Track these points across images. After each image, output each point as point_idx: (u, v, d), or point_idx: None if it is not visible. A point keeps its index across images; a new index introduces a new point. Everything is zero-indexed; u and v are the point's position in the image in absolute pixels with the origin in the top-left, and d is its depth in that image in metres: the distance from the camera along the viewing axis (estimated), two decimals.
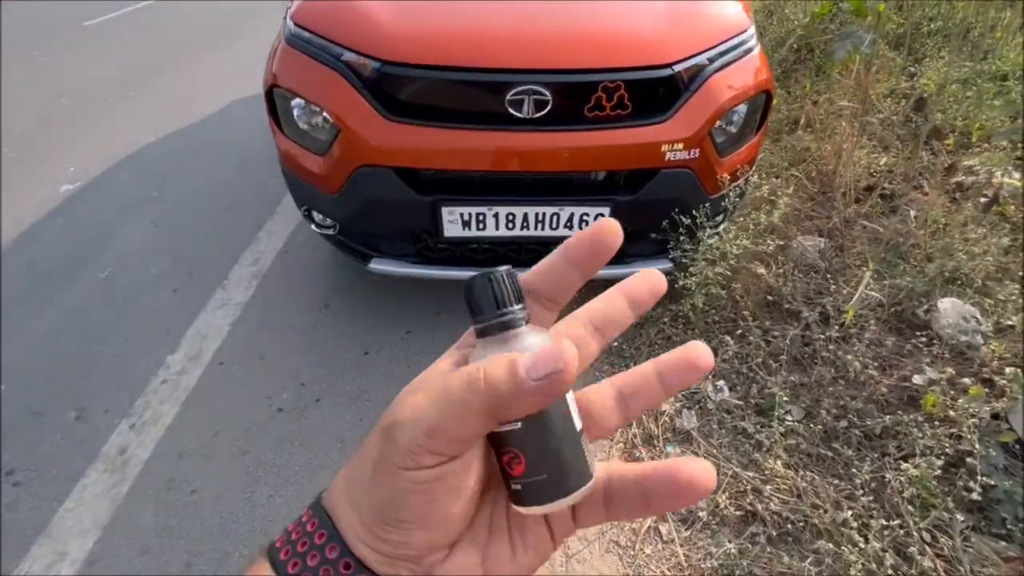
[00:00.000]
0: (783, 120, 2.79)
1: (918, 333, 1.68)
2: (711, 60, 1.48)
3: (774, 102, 2.83)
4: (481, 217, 1.53)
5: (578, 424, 0.26)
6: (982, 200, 2.16)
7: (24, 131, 3.33)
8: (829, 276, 1.95)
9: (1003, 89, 2.96)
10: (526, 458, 0.25)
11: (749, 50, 1.57)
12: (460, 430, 0.23)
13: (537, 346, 0.25)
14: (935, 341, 1.65)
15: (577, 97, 1.41)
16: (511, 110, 1.39)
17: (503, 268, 0.27)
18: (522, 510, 0.26)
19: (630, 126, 1.44)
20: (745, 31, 1.57)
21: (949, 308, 1.74)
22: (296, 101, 1.55)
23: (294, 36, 1.53)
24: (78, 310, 2.01)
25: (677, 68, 1.43)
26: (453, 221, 1.54)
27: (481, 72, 1.37)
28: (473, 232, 1.56)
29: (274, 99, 1.60)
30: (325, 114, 1.49)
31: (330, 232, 1.75)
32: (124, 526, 1.35)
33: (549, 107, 1.39)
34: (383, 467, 0.23)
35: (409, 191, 1.48)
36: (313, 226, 1.78)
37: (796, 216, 2.21)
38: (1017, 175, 2.41)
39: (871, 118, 2.65)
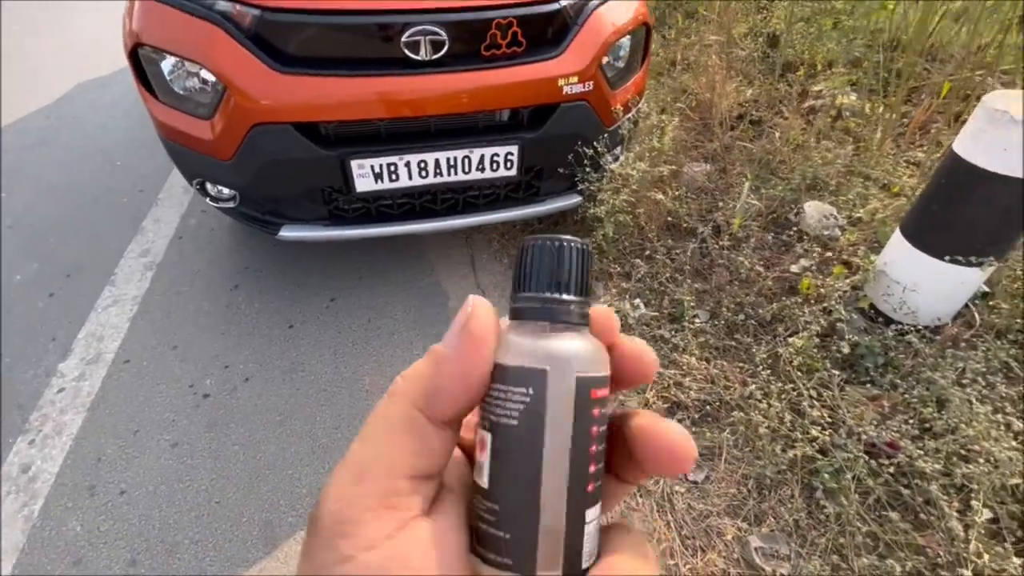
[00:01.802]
0: (662, 61, 2.99)
1: (790, 232, 1.94)
2: None
3: (654, 44, 3.04)
4: (393, 168, 1.52)
5: (586, 487, 0.19)
6: (829, 119, 2.50)
7: None
8: (716, 195, 2.18)
9: (837, 23, 3.37)
10: (490, 490, 0.20)
11: None
12: (394, 455, 0.18)
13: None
14: (804, 237, 1.93)
15: (472, 36, 1.42)
16: (408, 52, 1.38)
17: (578, 240, 0.21)
18: (475, 561, 0.20)
19: (526, 62, 1.49)
20: None
21: (812, 209, 2.02)
22: (168, 61, 1.41)
23: None
24: None
25: (563, 3, 1.49)
26: (364, 175, 1.51)
27: (372, 15, 1.34)
28: (386, 184, 1.55)
29: (140, 61, 1.45)
30: (205, 72, 1.38)
31: (230, 204, 1.64)
32: (46, 542, 1.23)
33: (446, 48, 1.40)
34: None
35: (313, 147, 1.43)
36: (209, 200, 1.66)
37: (684, 146, 2.41)
38: (854, 95, 2.81)
39: (736, 52, 2.93)
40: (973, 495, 1.21)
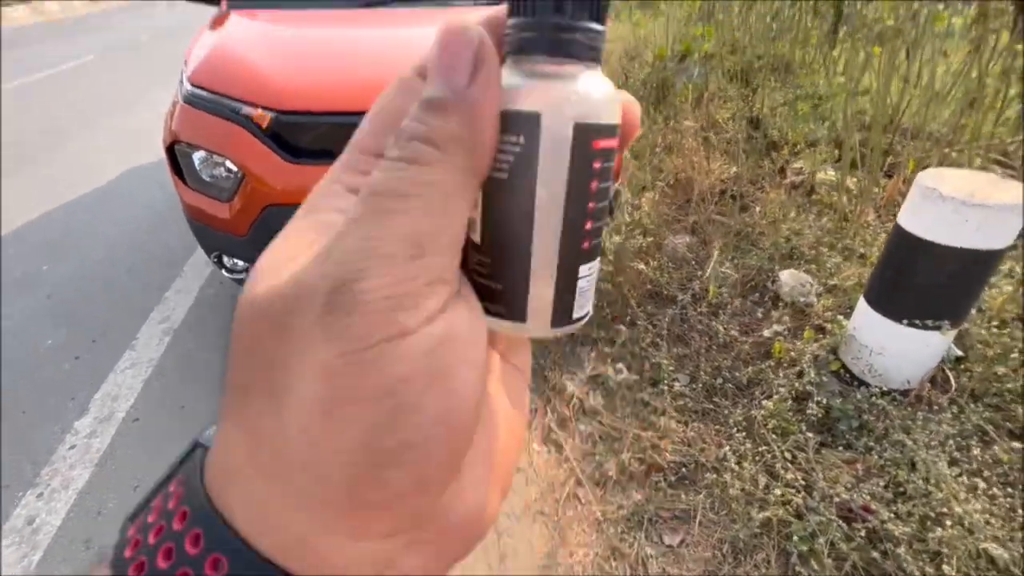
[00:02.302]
0: (649, 144, 3.25)
1: (767, 300, 2.03)
2: None
3: (642, 130, 3.31)
4: None
5: (581, 243, 0.19)
6: (803, 193, 2.66)
7: None
8: (696, 264, 2.30)
9: (818, 107, 3.63)
10: (482, 244, 0.19)
11: None
12: (454, 225, 0.16)
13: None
14: (780, 304, 2.01)
15: None
16: None
17: None
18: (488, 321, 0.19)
19: None
20: None
21: (788, 277, 2.12)
22: (198, 154, 1.66)
23: (192, 95, 1.66)
24: None
25: None
26: None
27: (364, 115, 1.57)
28: None
29: (176, 154, 1.69)
30: (228, 163, 1.61)
31: (243, 276, 1.82)
32: None
33: None
34: (345, 371, 0.14)
35: None
36: (224, 272, 1.84)
37: (666, 219, 2.58)
38: (832, 171, 2.99)
39: (720, 136, 3.17)
40: (946, 560, 1.20)
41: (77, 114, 4.95)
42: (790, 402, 1.63)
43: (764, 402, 1.62)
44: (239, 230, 1.65)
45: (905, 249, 1.46)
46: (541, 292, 0.19)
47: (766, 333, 1.84)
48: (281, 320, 0.15)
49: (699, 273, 2.24)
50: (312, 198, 0.18)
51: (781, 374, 1.70)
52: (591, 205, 0.18)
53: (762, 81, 3.97)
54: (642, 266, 2.17)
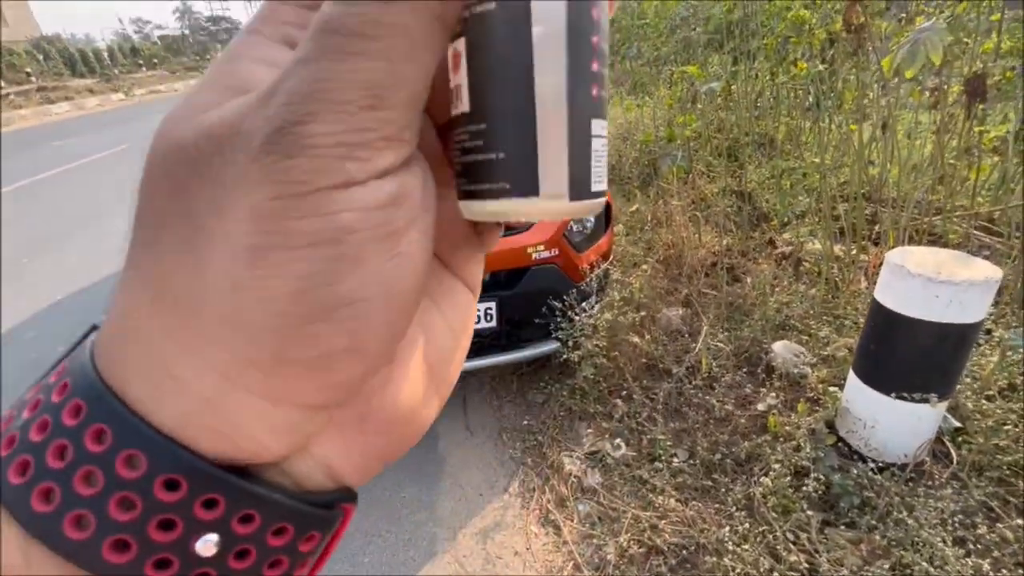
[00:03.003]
0: (641, 220, 3.40)
1: (761, 372, 2.06)
2: None
3: (638, 205, 3.48)
4: None
5: (590, 89, 0.16)
6: (790, 265, 2.75)
7: None
8: (690, 336, 2.35)
9: (803, 180, 3.81)
10: (472, 109, 0.16)
11: None
12: (419, 76, 0.14)
13: None
14: (774, 376, 2.03)
15: None
16: None
17: None
18: (467, 206, 0.17)
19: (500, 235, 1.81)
20: None
21: (781, 348, 2.15)
22: None
23: None
24: None
25: None
26: None
27: None
28: None
29: None
30: None
31: None
32: None
33: None
34: (282, 214, 0.13)
35: None
36: None
37: (660, 293, 2.66)
38: (818, 243, 3.10)
39: (710, 211, 3.33)
40: None
41: (102, 202, 5.28)
42: (789, 478, 1.61)
43: (763, 479, 1.61)
44: None
45: (883, 323, 1.51)
46: (553, 152, 0.15)
47: (760, 407, 1.85)
48: (207, 160, 0.14)
49: (693, 346, 2.28)
50: (229, 49, 0.16)
51: (778, 448, 1.69)
52: (595, 39, 0.16)
53: (747, 157, 4.20)
54: (637, 339, 2.22)
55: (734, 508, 1.56)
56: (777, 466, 1.61)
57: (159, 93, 16.41)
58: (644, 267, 2.61)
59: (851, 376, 1.71)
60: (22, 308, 3.09)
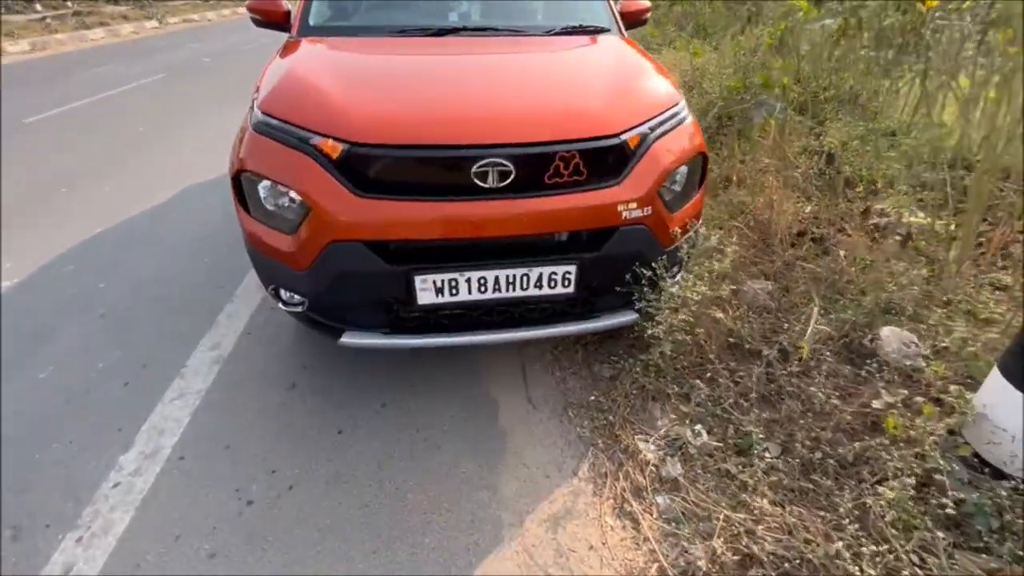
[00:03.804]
0: (716, 179, 3.06)
1: (868, 361, 1.80)
2: (652, 129, 1.65)
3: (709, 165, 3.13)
4: (454, 283, 1.57)
5: None
6: (898, 238, 2.42)
7: None
8: (780, 315, 2.09)
9: (893, 143, 3.39)
10: None
11: (683, 119, 1.76)
12: None
13: None
14: (884, 367, 1.78)
15: (537, 167, 1.52)
16: (476, 181, 1.48)
17: None
18: None
19: (587, 190, 1.56)
20: (678, 104, 1.78)
21: (890, 335, 1.88)
22: (263, 184, 1.58)
23: (262, 123, 1.59)
24: (15, 415, 1.84)
25: (624, 137, 1.58)
26: (426, 289, 1.56)
27: (448, 149, 1.46)
28: (446, 298, 1.59)
29: (241, 183, 1.62)
30: (293, 194, 1.53)
31: (298, 309, 1.72)
32: None
33: (512, 177, 1.49)
34: None
35: (381, 262, 1.51)
36: (280, 304, 1.75)
37: (743, 263, 2.38)
38: (921, 214, 2.73)
39: (792, 172, 2.96)
40: None
41: (145, 130, 5.13)
42: (911, 490, 1.39)
43: (881, 489, 1.39)
44: (300, 264, 1.56)
45: None
46: None
47: (876, 404, 1.61)
48: None
49: (783, 324, 2.03)
50: None
51: (896, 454, 1.47)
52: None
53: (831, 114, 3.75)
54: (720, 314, 1.98)
55: (847, 520, 1.35)
56: (900, 475, 1.39)
57: (192, 22, 15.98)
58: (724, 236, 2.32)
59: (995, 377, 1.45)
60: (61, 241, 2.99)
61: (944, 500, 1.33)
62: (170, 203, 3.50)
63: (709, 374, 1.85)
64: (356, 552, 1.40)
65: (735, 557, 1.37)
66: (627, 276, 1.68)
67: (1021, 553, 1.25)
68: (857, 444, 1.54)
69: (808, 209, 2.84)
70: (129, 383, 1.98)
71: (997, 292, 2.15)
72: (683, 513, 1.49)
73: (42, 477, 1.61)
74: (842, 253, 2.42)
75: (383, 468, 1.63)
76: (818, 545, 1.34)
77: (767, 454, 1.61)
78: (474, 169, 1.46)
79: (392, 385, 1.94)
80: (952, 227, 2.40)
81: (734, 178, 2.88)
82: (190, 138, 4.87)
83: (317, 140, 1.49)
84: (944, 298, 2.09)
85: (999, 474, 1.42)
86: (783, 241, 2.50)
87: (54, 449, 1.71)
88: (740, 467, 1.58)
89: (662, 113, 1.69)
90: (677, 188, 1.77)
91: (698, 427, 1.74)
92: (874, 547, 1.29)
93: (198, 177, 3.88)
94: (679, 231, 1.73)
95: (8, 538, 1.44)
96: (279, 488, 1.57)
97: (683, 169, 1.74)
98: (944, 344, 1.86)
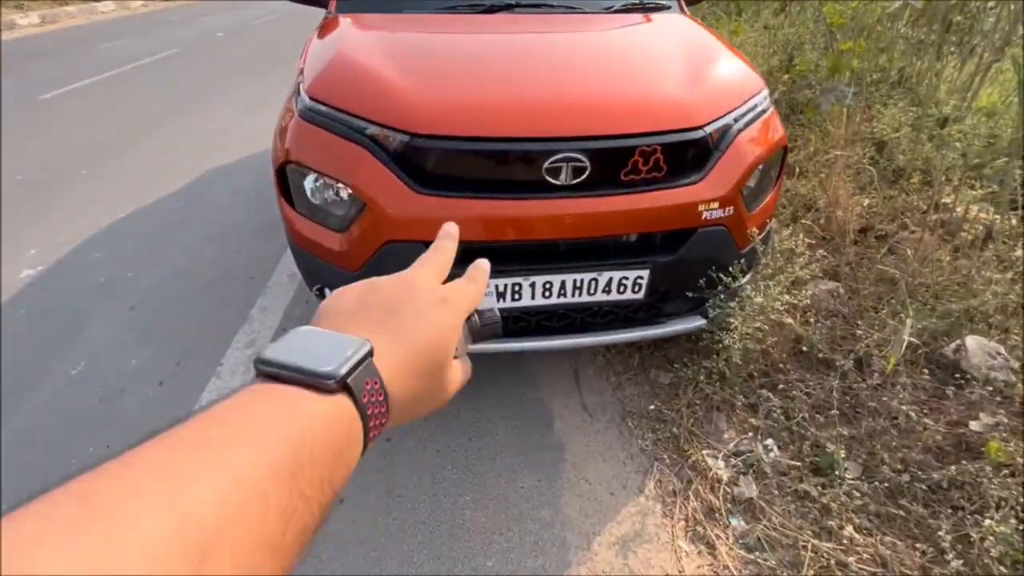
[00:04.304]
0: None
1: (954, 375, 1.67)
2: (736, 120, 1.50)
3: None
4: (517, 288, 1.45)
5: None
6: (979, 237, 2.25)
7: None
8: (850, 319, 1.96)
9: (944, 131, 3.18)
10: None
11: (766, 110, 1.61)
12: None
13: None
14: (973, 382, 1.65)
15: (614, 162, 1.38)
16: (548, 178, 1.35)
17: None
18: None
19: (666, 188, 1.42)
20: (761, 92, 1.62)
21: (975, 346, 1.75)
22: (311, 176, 1.46)
23: (310, 111, 1.46)
24: (47, 415, 1.76)
25: (708, 129, 1.43)
26: (487, 294, 1.44)
27: (520, 142, 1.33)
28: (508, 303, 1.47)
29: (286, 175, 1.50)
30: (344, 189, 1.40)
31: None
32: None
33: (586, 173, 1.36)
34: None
35: None
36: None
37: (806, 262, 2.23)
38: (991, 208, 2.56)
39: (846, 162, 2.79)
40: None
41: (159, 110, 4.99)
42: (1013, 521, 1.28)
43: (986, 521, 1.28)
44: (351, 265, 1.45)
45: None
46: None
47: (973, 426, 1.49)
48: (412, 288, 0.37)
49: (855, 332, 1.90)
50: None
51: (997, 482, 1.35)
52: None
53: (880, 98, 3.54)
54: (788, 319, 1.85)
55: (951, 556, 1.25)
56: (1000, 505, 1.28)
57: None
58: (791, 231, 2.17)
59: None
60: (84, 226, 2.90)
61: None
62: (193, 186, 3.39)
63: (780, 385, 1.74)
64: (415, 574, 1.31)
65: None
66: (700, 281, 1.55)
67: None
68: (953, 468, 1.43)
69: (867, 202, 2.68)
70: (164, 382, 1.90)
71: None
72: (761, 539, 1.39)
73: None
74: (909, 252, 2.27)
75: (438, 482, 1.54)
76: None
77: (848, 474, 1.50)
78: (547, 164, 1.33)
79: None
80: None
81: (797, 170, 2.71)
82: (209, 117, 4.73)
83: (374, 130, 1.36)
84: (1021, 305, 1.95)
85: None
86: (846, 238, 2.34)
87: (89, 456, 1.63)
88: (819, 488, 1.48)
89: (746, 102, 1.54)
90: (754, 184, 1.62)
91: (769, 441, 1.63)
92: None
93: (220, 159, 3.75)
94: (755, 231, 1.60)
95: None
96: None
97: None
98: None
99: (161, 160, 3.79)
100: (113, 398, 1.83)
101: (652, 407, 1.77)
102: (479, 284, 0.41)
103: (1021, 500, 1.31)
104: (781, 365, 1.79)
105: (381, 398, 0.30)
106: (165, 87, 5.80)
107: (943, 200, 2.71)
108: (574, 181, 1.36)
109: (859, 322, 1.94)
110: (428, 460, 1.60)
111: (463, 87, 1.48)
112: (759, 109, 1.58)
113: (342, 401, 0.28)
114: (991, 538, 1.25)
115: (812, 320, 1.93)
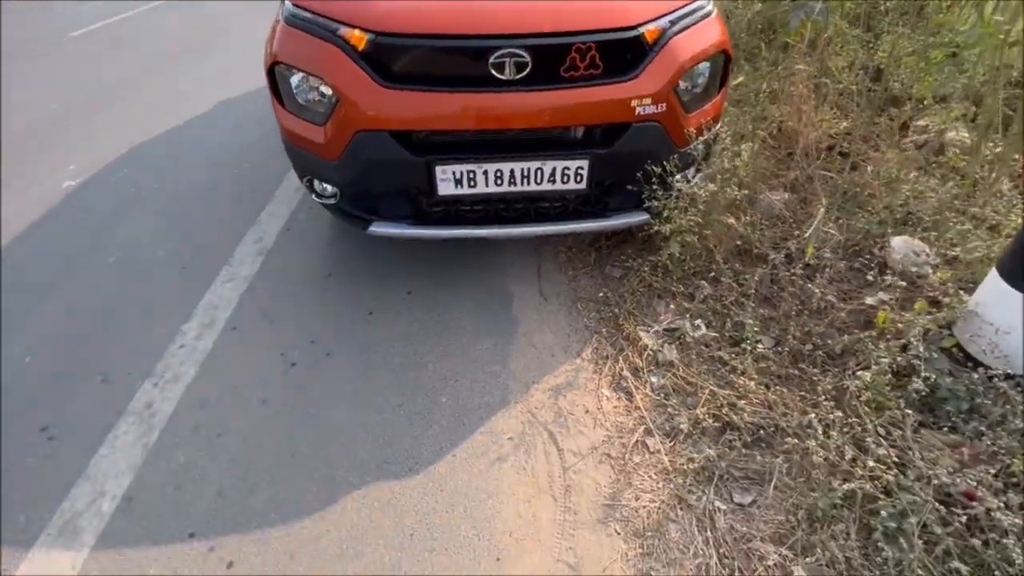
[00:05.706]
0: (750, 92, 2.97)
1: (873, 266, 1.85)
2: (672, 23, 1.64)
3: (743, 78, 3.02)
4: (472, 174, 1.67)
5: None
6: (930, 153, 2.35)
7: (15, 134, 3.41)
8: (794, 224, 2.13)
9: (955, 60, 3.15)
10: None
11: (707, 15, 1.74)
12: None
13: None
14: (888, 273, 1.82)
15: (553, 59, 1.56)
16: (494, 72, 1.54)
17: None
18: None
19: (602, 84, 1.59)
20: None
21: (900, 244, 1.91)
22: (296, 76, 1.68)
23: (292, 16, 1.67)
24: (91, 290, 2.11)
25: (642, 30, 1.58)
26: (446, 179, 1.68)
27: (466, 39, 1.52)
28: (465, 189, 1.70)
29: (275, 76, 1.73)
30: (323, 87, 1.63)
31: (331, 201, 1.87)
32: (156, 467, 1.47)
33: (528, 69, 1.54)
34: None
35: (404, 152, 1.62)
36: (315, 196, 1.91)
37: (763, 174, 2.38)
38: (965, 132, 2.61)
39: (831, 86, 2.84)
40: None
41: (161, 54, 5.21)
42: (889, 376, 1.50)
43: (860, 373, 1.50)
44: (331, 155, 1.69)
45: None
46: None
47: (869, 300, 1.68)
48: None
49: (796, 232, 2.07)
50: None
51: (882, 346, 1.56)
52: None
53: (889, 26, 3.48)
54: (732, 220, 2.03)
55: (823, 398, 1.48)
56: (881, 362, 1.49)
57: None
58: (749, 143, 2.31)
59: (992, 277, 1.49)
60: (115, 146, 3.21)
61: (917, 384, 1.43)
62: (209, 114, 3.65)
63: (713, 274, 1.94)
64: (384, 403, 1.63)
65: (715, 424, 1.53)
66: (639, 174, 1.74)
67: (984, 430, 1.36)
68: (846, 337, 1.64)
69: (844, 125, 2.75)
70: (186, 267, 2.22)
71: None
72: (673, 388, 1.65)
73: (120, 339, 1.89)
74: (869, 168, 2.38)
75: (408, 343, 1.83)
76: (792, 417, 1.48)
77: (760, 345, 1.72)
78: (491, 60, 1.52)
79: (418, 278, 2.11)
80: (994, 146, 2.31)
81: (765, 88, 2.78)
82: (231, 46, 4.93)
83: (343, 30, 1.57)
84: (970, 212, 2.07)
85: (979, 365, 1.50)
86: (809, 155, 2.46)
87: (127, 318, 1.98)
88: (733, 355, 1.71)
89: (685, 6, 1.67)
90: (697, 89, 1.77)
91: (698, 321, 1.85)
92: (844, 419, 1.42)
93: (231, 91, 3.99)
94: (694, 132, 1.76)
95: (99, 381, 1.73)
96: (318, 354, 1.80)
97: (704, 67, 1.74)
98: (955, 254, 1.87)
99: (174, 95, 4.05)
100: (145, 278, 2.17)
101: (600, 294, 2.01)
102: None
103: (898, 360, 1.51)
104: (719, 259, 1.99)
105: None
106: (175, 30, 5.99)
107: (921, 123, 2.77)
108: (518, 76, 1.55)
109: (802, 226, 2.11)
110: (402, 327, 1.90)
111: None
112: (699, 14, 1.71)
113: None
114: (860, 385, 1.47)
115: (757, 223, 2.10)
